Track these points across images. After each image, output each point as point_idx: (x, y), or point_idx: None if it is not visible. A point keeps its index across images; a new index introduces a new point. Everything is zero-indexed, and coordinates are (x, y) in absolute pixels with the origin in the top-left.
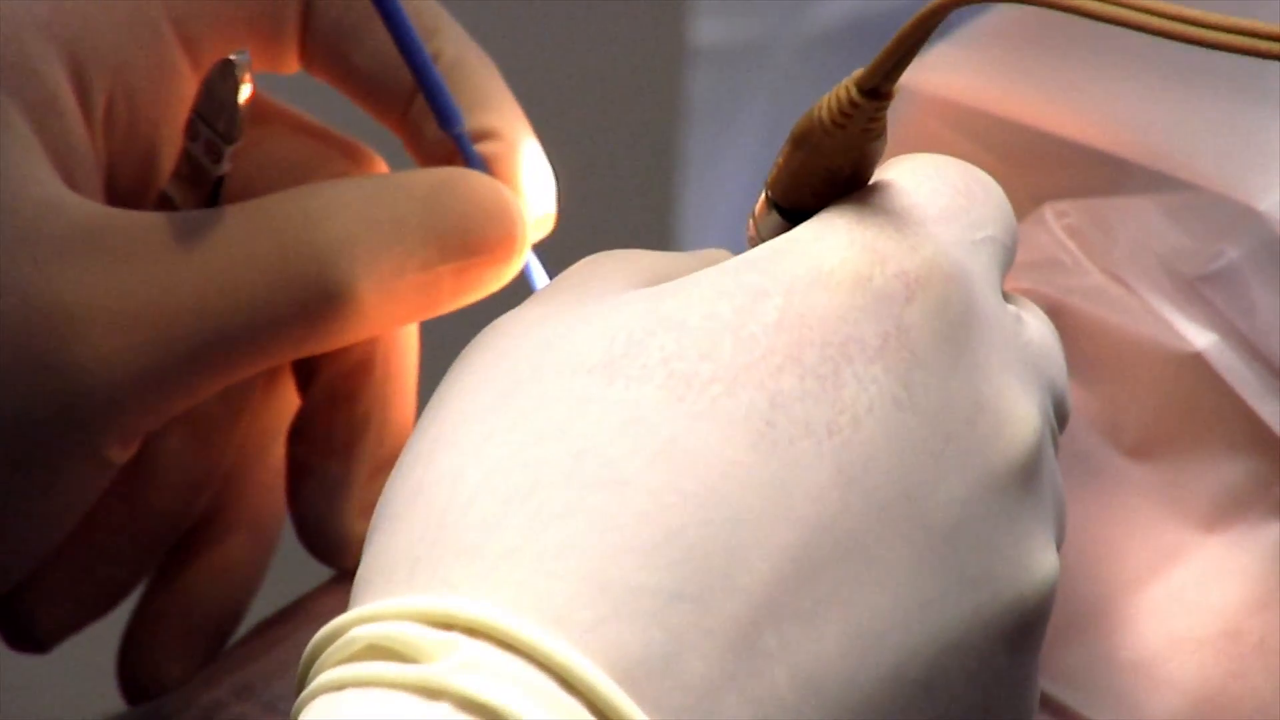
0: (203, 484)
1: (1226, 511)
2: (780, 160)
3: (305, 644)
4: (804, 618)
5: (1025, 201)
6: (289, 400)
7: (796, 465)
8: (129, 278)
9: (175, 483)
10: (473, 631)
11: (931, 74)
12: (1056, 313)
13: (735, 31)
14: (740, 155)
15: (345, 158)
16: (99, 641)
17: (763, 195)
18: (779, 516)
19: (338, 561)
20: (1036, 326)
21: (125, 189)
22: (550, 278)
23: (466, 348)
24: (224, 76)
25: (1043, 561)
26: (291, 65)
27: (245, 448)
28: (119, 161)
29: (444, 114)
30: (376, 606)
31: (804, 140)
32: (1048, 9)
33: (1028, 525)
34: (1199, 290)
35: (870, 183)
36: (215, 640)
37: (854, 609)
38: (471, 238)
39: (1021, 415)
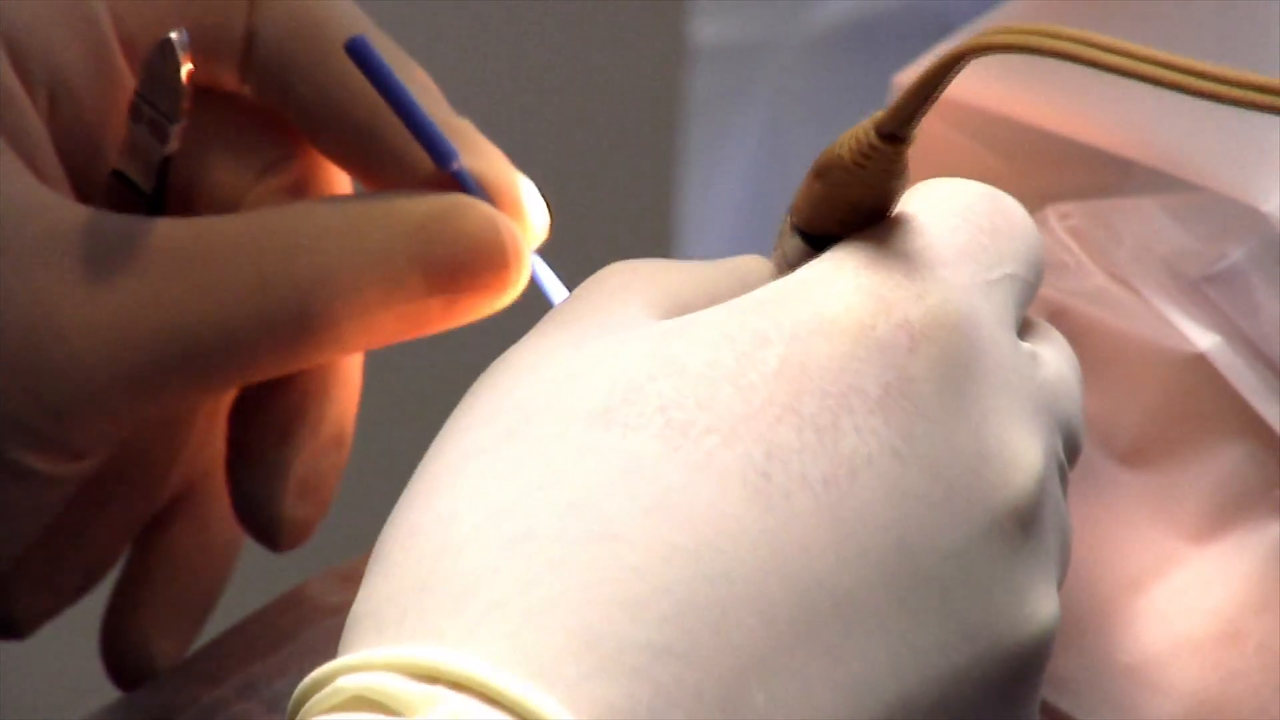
0: (175, 463)
1: (1228, 513)
2: (803, 188)
3: (308, 643)
4: (794, 673)
5: (1028, 202)
6: None
7: (792, 519)
8: (108, 285)
9: (147, 466)
10: (458, 685)
11: None
12: (1059, 315)
13: (735, 31)
14: (740, 155)
15: (291, 136)
16: (96, 634)
17: (787, 217)
18: (772, 572)
19: (274, 543)
20: (1053, 361)
21: (74, 185)
22: (555, 278)
23: (477, 381)
24: (164, 56)
25: (1041, 609)
26: (231, 82)
27: (215, 421)
28: (65, 158)
29: (439, 150)
30: (363, 656)
31: (824, 174)
32: (1064, 60)
33: (1028, 572)
34: (1202, 291)
35: (893, 213)
36: (201, 610)
37: (846, 663)
38: (464, 271)
39: (1026, 462)
